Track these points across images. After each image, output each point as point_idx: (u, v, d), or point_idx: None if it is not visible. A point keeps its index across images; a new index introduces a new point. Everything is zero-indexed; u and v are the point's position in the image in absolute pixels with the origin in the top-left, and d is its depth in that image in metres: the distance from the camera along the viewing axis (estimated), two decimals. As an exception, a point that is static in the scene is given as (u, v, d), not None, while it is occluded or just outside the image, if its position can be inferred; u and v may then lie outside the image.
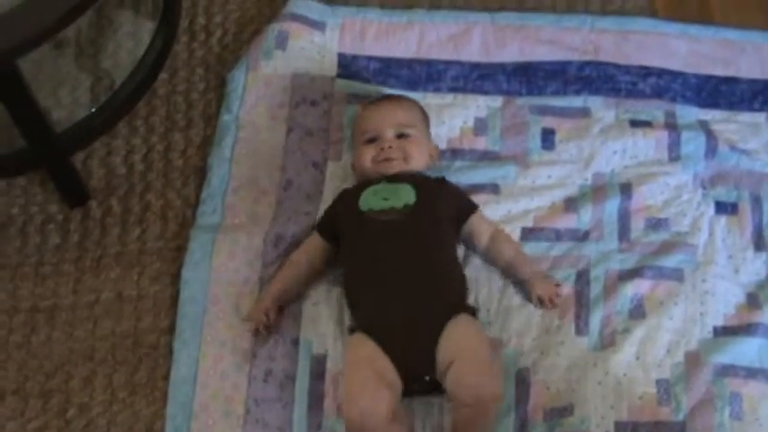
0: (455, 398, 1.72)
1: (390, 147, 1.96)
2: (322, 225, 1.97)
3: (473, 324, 1.82)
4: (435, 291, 1.82)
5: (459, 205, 1.97)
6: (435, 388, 1.77)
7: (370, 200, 1.90)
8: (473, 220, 1.96)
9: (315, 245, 1.96)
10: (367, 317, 1.82)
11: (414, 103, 2.08)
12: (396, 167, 1.95)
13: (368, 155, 1.98)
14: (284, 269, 1.95)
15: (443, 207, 1.92)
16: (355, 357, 1.78)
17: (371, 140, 1.99)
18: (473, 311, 1.85)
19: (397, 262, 1.84)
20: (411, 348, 1.76)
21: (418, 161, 1.98)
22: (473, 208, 1.97)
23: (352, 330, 1.84)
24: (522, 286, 1.94)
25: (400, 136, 1.98)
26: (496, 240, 1.96)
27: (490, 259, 1.97)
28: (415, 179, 1.93)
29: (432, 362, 1.74)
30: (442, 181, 1.99)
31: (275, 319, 1.90)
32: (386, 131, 1.98)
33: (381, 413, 1.68)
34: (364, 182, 1.97)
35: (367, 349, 1.77)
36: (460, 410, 1.72)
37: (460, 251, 1.97)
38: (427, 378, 1.77)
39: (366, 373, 1.73)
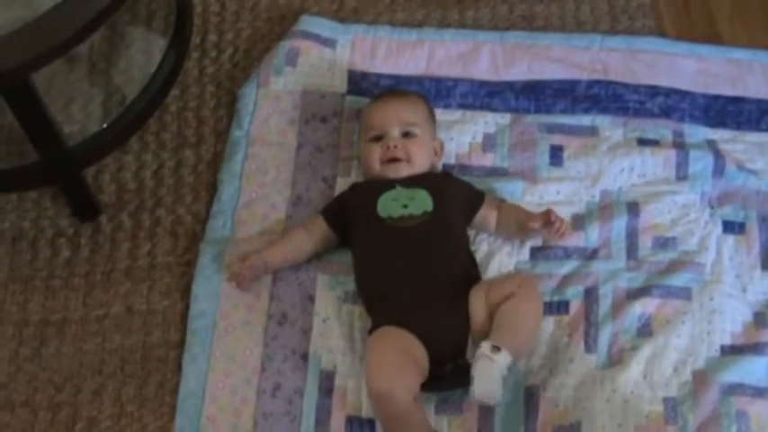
0: (498, 297, 1.80)
1: (396, 146, 1.98)
2: (332, 215, 1.99)
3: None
4: (457, 282, 1.87)
5: (468, 198, 2.01)
6: (460, 380, 1.78)
7: (389, 206, 1.93)
8: (482, 210, 2.00)
9: (321, 231, 1.98)
10: (391, 311, 1.84)
11: (419, 98, 2.10)
12: (402, 171, 1.98)
13: (374, 154, 2.00)
14: (286, 245, 1.97)
15: (456, 205, 1.97)
16: (383, 338, 1.79)
17: (377, 138, 2.01)
18: None
19: (419, 262, 1.87)
20: (440, 328, 1.80)
21: (422, 162, 2.01)
22: (481, 198, 2.01)
23: (370, 331, 1.86)
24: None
25: (405, 134, 2.01)
26: (504, 213, 2.00)
27: (504, 232, 2.02)
28: (429, 183, 1.97)
29: (463, 336, 1.80)
30: (449, 176, 2.04)
31: (254, 279, 1.95)
32: (391, 130, 2.01)
33: (409, 387, 1.71)
34: (376, 183, 1.99)
35: (395, 332, 1.79)
36: (504, 304, 1.79)
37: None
38: (459, 362, 1.79)
39: (395, 349, 1.75)
